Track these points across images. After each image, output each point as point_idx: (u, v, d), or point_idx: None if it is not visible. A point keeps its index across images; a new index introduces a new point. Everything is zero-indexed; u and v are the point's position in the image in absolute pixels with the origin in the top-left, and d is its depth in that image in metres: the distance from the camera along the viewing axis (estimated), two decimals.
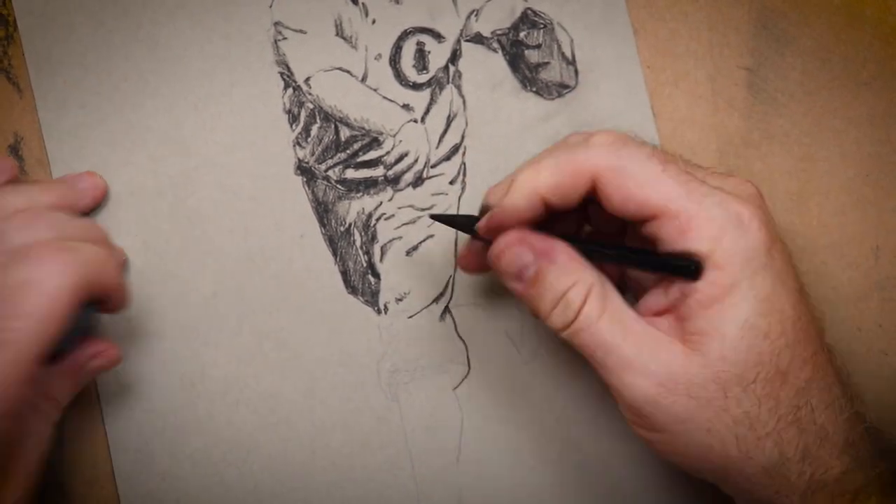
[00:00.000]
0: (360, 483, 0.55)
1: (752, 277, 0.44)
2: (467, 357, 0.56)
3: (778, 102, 0.57)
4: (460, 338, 0.56)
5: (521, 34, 0.57)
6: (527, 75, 0.57)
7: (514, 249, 0.47)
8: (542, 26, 0.57)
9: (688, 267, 0.44)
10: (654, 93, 0.57)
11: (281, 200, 0.56)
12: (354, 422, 0.55)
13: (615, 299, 0.46)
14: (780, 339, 0.44)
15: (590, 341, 0.45)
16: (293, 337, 0.55)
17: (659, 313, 0.46)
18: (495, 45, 0.57)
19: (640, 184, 0.45)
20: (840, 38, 0.57)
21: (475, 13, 0.57)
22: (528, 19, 0.57)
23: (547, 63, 0.57)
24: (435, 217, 0.52)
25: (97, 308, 0.50)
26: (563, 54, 0.57)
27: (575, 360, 0.55)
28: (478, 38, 0.57)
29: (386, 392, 0.55)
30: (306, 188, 0.56)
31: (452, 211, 0.56)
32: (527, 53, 0.57)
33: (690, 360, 0.44)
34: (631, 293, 0.51)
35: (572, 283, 0.46)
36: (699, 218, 0.44)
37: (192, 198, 0.56)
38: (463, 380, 0.56)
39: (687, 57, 0.57)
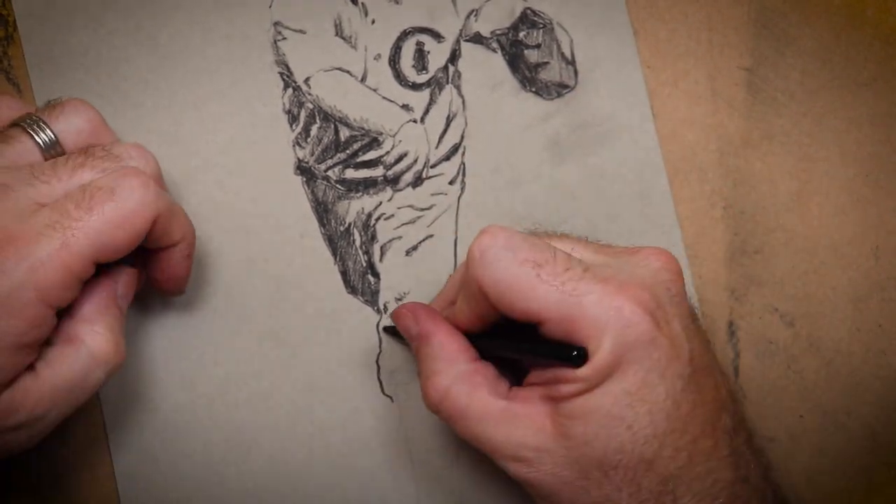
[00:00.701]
0: (359, 483, 0.55)
1: (623, 371, 0.45)
2: None
3: (778, 102, 0.57)
4: None
5: (521, 34, 0.57)
6: (526, 75, 0.57)
7: (404, 320, 0.52)
8: (541, 26, 0.57)
9: (573, 355, 0.45)
10: (654, 93, 0.57)
11: (281, 200, 0.56)
12: (354, 422, 0.55)
13: (482, 390, 0.48)
14: (646, 429, 0.45)
15: (459, 429, 0.48)
16: (293, 336, 0.55)
17: (536, 397, 0.47)
18: (495, 45, 0.57)
19: (517, 295, 0.46)
20: (840, 39, 0.57)
21: (475, 13, 0.57)
22: (528, 19, 0.57)
23: (546, 63, 0.57)
24: (386, 330, 0.55)
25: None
26: (562, 54, 0.57)
27: None
28: (477, 38, 0.57)
29: (386, 392, 0.55)
30: (306, 188, 0.56)
31: (452, 211, 0.56)
32: (526, 53, 0.57)
33: (556, 442, 0.46)
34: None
35: (438, 371, 0.49)
36: (579, 319, 0.45)
37: (193, 198, 0.56)
38: None
39: (687, 57, 0.57)
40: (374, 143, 0.56)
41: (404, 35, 0.57)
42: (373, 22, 0.57)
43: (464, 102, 0.57)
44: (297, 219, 0.56)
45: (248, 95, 0.56)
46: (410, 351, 0.54)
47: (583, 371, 0.45)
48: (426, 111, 0.57)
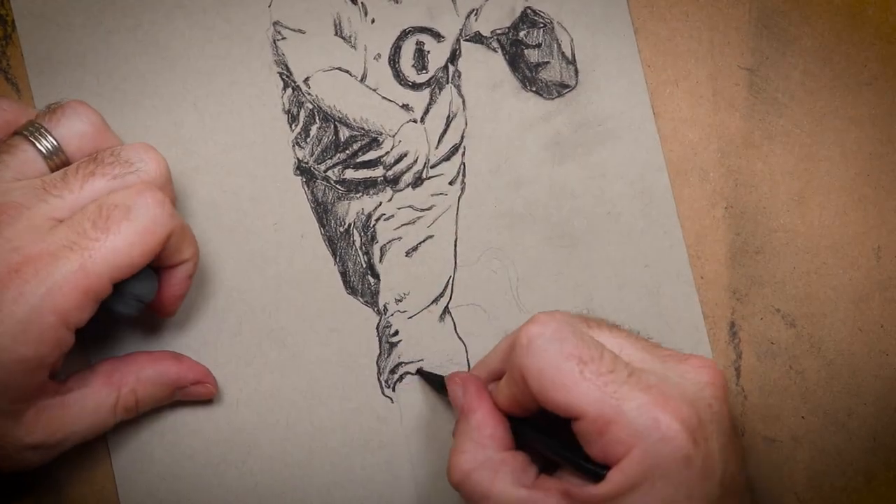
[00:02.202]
0: (359, 483, 0.55)
1: (649, 487, 0.44)
2: (467, 358, 0.56)
3: (779, 102, 0.57)
4: (460, 338, 0.56)
5: (521, 33, 0.57)
6: (527, 75, 0.57)
7: (454, 388, 0.51)
8: (541, 25, 0.57)
9: (594, 471, 0.46)
10: (655, 92, 0.57)
11: (280, 201, 0.56)
12: (354, 422, 0.55)
13: (506, 479, 0.48)
14: None
15: None
16: (293, 337, 0.55)
17: (559, 491, 0.47)
18: (495, 44, 0.57)
19: (557, 388, 0.46)
20: (841, 38, 0.57)
21: (475, 12, 0.57)
22: (528, 18, 0.57)
23: (547, 62, 0.57)
24: (420, 372, 0.55)
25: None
26: (563, 54, 0.57)
27: None
28: (477, 38, 0.57)
29: (386, 392, 0.55)
30: (305, 188, 0.56)
31: (452, 212, 0.56)
32: (527, 53, 0.57)
33: None
34: None
35: (466, 451, 0.49)
36: (615, 423, 0.45)
37: (192, 198, 0.56)
38: None
39: (688, 56, 0.57)
40: (374, 143, 0.56)
41: (404, 34, 0.57)
42: (372, 21, 0.57)
43: (464, 102, 0.57)
44: (297, 219, 0.56)
45: (248, 95, 0.56)
46: (439, 397, 0.55)
47: (604, 487, 0.45)
48: (426, 111, 0.57)
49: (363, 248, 0.56)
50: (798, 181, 0.57)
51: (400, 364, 0.56)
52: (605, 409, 0.45)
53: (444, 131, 0.56)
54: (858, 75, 0.57)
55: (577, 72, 0.57)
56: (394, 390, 0.55)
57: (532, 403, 0.48)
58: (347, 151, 0.56)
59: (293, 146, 0.56)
